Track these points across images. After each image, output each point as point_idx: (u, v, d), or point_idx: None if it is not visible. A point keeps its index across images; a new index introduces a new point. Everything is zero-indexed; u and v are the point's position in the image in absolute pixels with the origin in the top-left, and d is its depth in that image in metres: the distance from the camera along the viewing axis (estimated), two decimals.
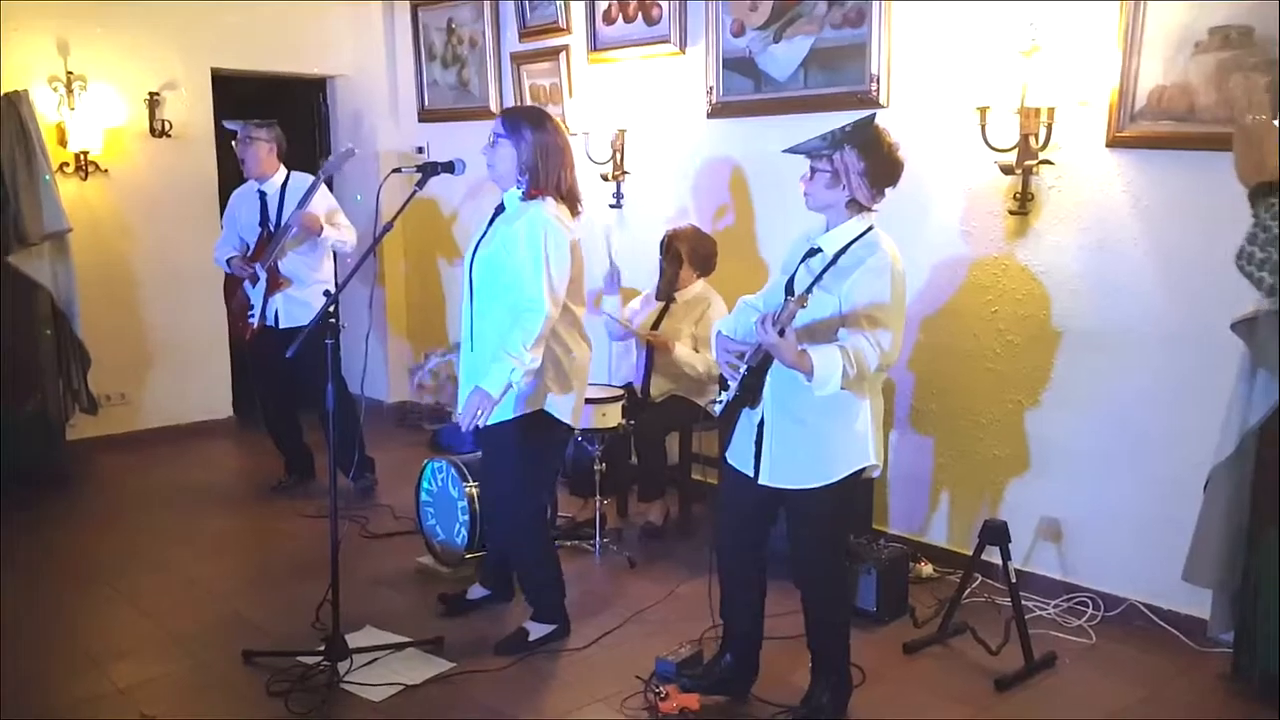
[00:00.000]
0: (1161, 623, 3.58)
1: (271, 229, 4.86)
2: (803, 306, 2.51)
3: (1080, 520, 3.82)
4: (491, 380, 3.14)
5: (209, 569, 4.23)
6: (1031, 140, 3.66)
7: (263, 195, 4.92)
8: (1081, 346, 3.75)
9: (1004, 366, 3.96)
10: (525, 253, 3.19)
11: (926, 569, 4.08)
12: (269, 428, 5.22)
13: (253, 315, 4.92)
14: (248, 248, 4.95)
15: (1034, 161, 3.69)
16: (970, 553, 3.56)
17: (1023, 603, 3.44)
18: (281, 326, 4.83)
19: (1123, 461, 3.67)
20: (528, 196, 3.28)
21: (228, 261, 4.99)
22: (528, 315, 3.16)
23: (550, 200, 3.28)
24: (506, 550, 3.67)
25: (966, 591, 3.62)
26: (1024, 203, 3.78)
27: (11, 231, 4.94)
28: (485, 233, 3.36)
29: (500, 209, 3.36)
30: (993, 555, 3.46)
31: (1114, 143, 3.56)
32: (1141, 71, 3.47)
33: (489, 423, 3.23)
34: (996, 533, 3.38)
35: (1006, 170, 3.75)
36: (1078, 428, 3.78)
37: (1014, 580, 3.36)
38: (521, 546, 3.55)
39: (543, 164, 3.27)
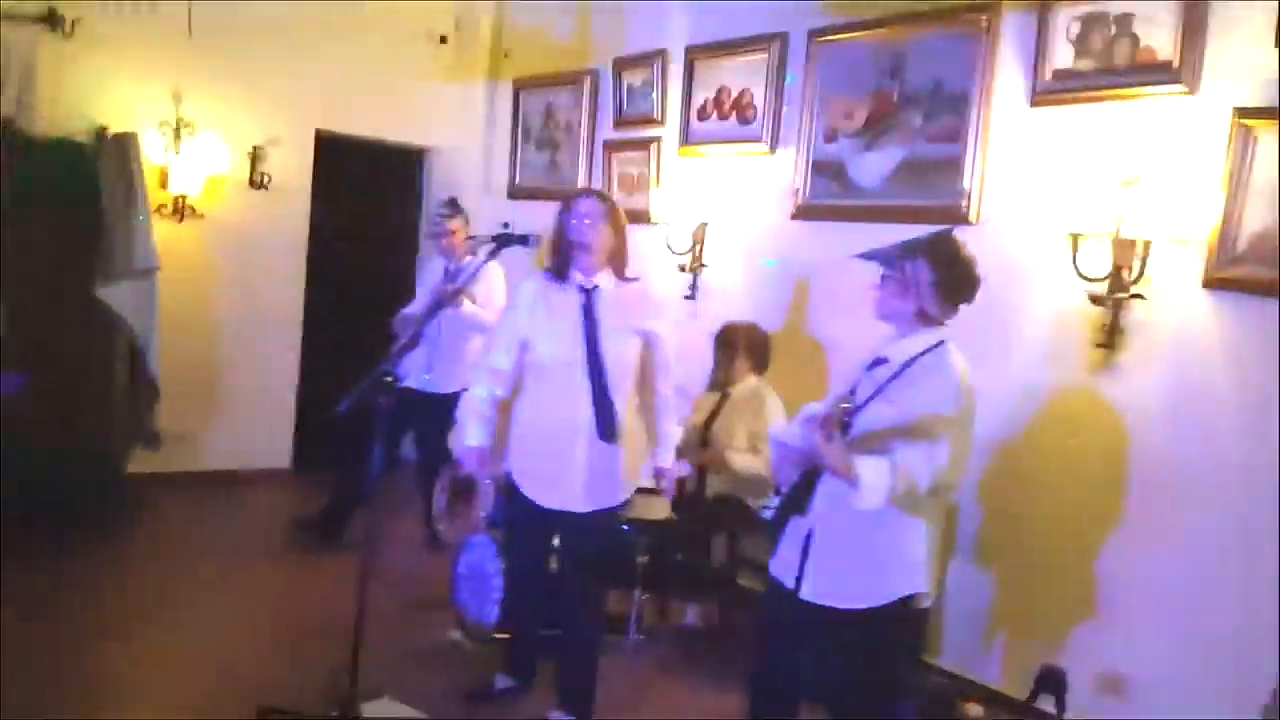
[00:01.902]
0: None
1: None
2: (846, 412, 2.40)
3: (1147, 678, 3.55)
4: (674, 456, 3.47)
5: (241, 618, 4.20)
6: (1124, 272, 3.53)
7: (446, 272, 5.11)
8: (1161, 492, 3.54)
9: (1077, 505, 3.76)
10: (665, 335, 3.43)
11: (975, 710, 3.83)
12: (345, 476, 5.17)
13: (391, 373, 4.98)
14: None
15: (1125, 295, 3.55)
16: (1024, 698, 3.33)
17: None
18: (416, 388, 4.90)
19: (1196, 619, 3.42)
20: (621, 279, 3.37)
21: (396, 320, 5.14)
22: (679, 395, 3.46)
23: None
24: (582, 639, 3.47)
25: None
26: (1112, 336, 3.62)
27: (101, 264, 5.08)
28: (588, 316, 3.27)
29: (587, 291, 3.30)
30: (1048, 704, 3.24)
31: (1211, 283, 3.41)
32: (1246, 213, 3.33)
33: (612, 506, 3.36)
34: (1053, 679, 3.18)
35: (1096, 300, 3.61)
36: (1151, 577, 3.55)
37: None
38: (596, 635, 3.49)
39: (625, 248, 3.39)
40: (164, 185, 5.70)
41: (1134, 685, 3.59)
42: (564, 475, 3.27)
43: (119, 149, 5.19)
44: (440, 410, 4.74)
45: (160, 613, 4.18)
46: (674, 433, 3.53)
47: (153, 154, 5.59)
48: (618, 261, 3.34)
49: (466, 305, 4.88)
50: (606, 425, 3.23)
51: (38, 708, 3.21)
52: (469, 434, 3.37)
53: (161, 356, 5.40)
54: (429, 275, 5.31)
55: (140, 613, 4.15)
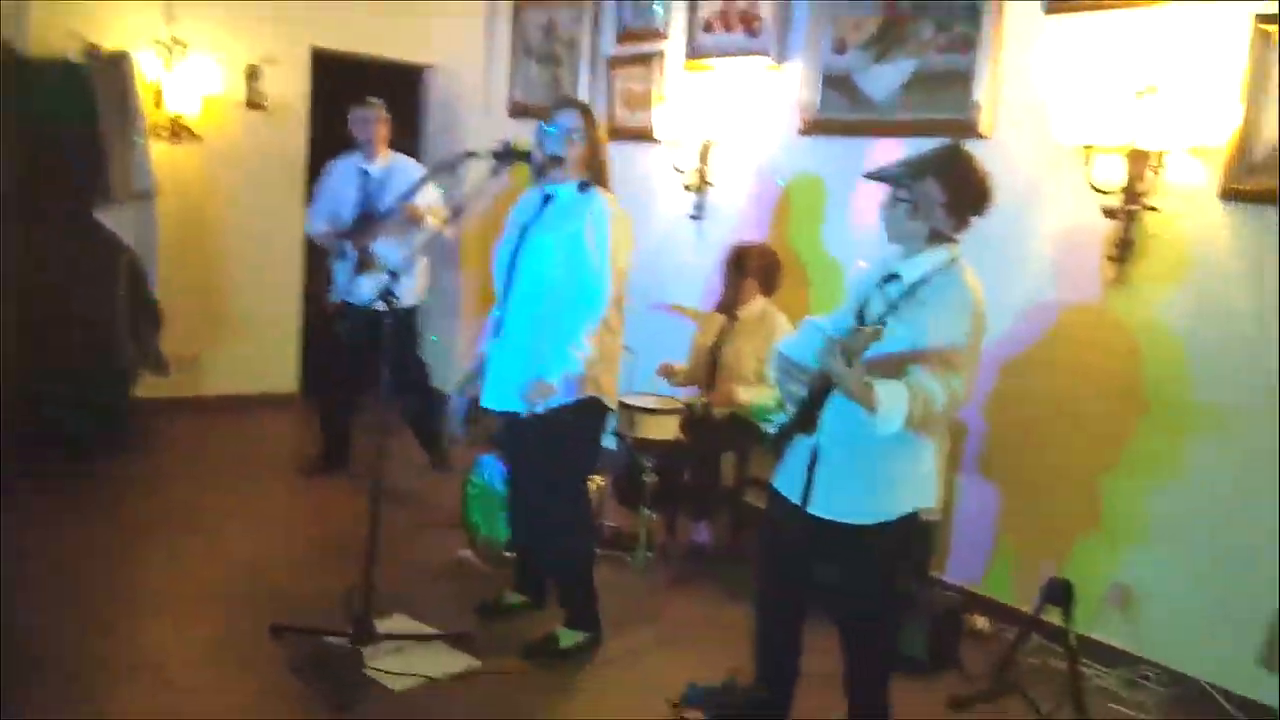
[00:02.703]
0: (1229, 706, 3.33)
1: (373, 210, 4.88)
2: (878, 339, 2.35)
3: (1152, 590, 3.59)
4: (554, 368, 3.14)
5: (253, 539, 4.23)
6: (1139, 184, 3.47)
7: (366, 174, 4.95)
8: (1173, 408, 3.52)
9: (1086, 420, 3.75)
10: (593, 244, 3.18)
11: (982, 622, 3.89)
12: (324, 404, 5.22)
13: (330, 290, 4.94)
14: (336, 220, 4.97)
15: (1138, 207, 3.49)
16: (1030, 610, 3.37)
17: (1081, 669, 3.24)
18: (369, 306, 4.81)
19: (1203, 533, 3.44)
20: (583, 189, 3.26)
21: (320, 235, 5.01)
22: (594, 306, 3.18)
23: (606, 192, 3.28)
24: (547, 545, 3.52)
25: (1022, 650, 3.43)
26: (1124, 249, 3.58)
27: (99, 187, 5.01)
28: (533, 222, 3.28)
29: (548, 198, 3.29)
30: (1054, 616, 3.28)
31: (1227, 194, 3.35)
32: (1265, 123, 3.26)
33: (541, 410, 3.18)
34: (1060, 591, 3.20)
35: (1109, 214, 3.55)
36: (1159, 492, 3.56)
37: (1074, 644, 3.17)
38: (563, 541, 3.44)
39: (601, 157, 3.30)
40: (158, 105, 5.60)
41: (1138, 597, 3.63)
42: (491, 374, 3.36)
43: (113, 68, 5.09)
44: (401, 326, 4.70)
45: (171, 534, 4.21)
46: (568, 353, 3.14)
47: (147, 73, 5.49)
48: (588, 170, 3.28)
49: (429, 222, 4.75)
50: (498, 324, 3.29)
51: (54, 627, 3.25)
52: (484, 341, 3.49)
53: (163, 281, 5.37)
54: (339, 178, 5.03)
55: (151, 535, 4.19)
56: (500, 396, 3.32)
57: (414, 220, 4.74)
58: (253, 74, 5.92)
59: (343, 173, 5.06)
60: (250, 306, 6.15)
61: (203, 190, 5.90)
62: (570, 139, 3.24)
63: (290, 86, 6.09)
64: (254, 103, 5.95)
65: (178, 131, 5.69)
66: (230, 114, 5.91)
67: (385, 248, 4.85)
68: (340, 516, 4.52)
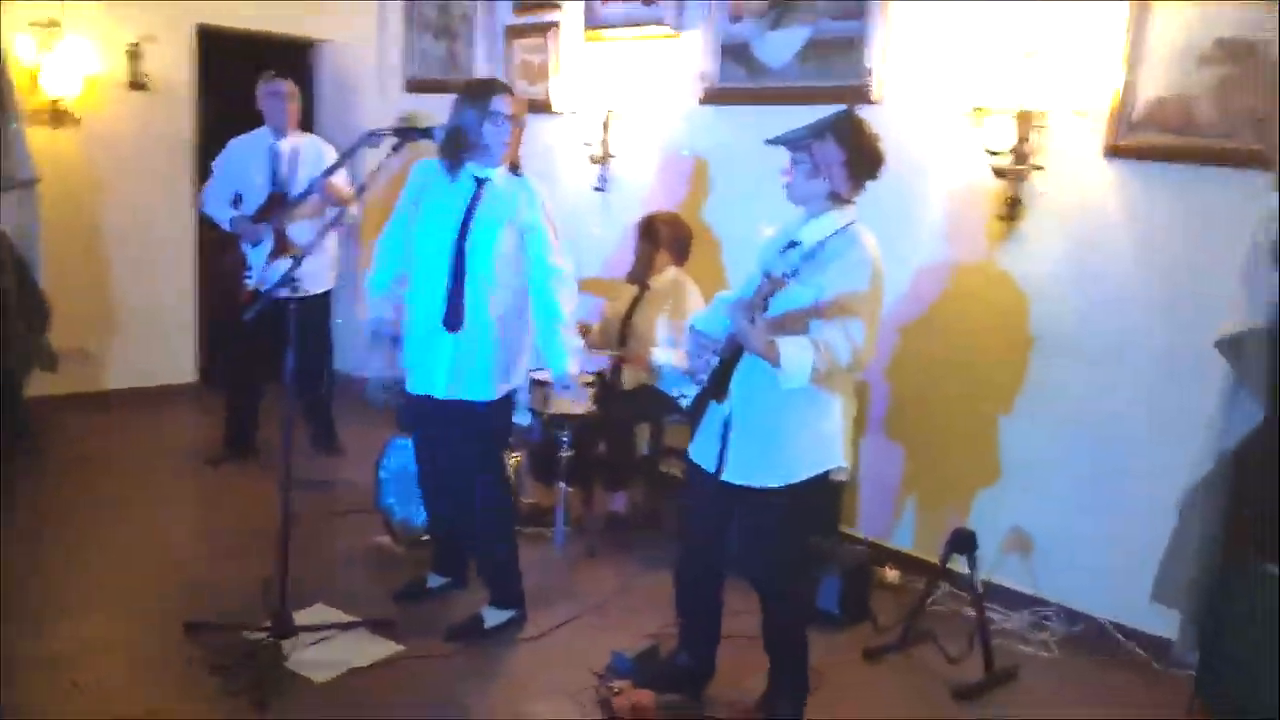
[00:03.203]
0: (1127, 641, 3.53)
1: (285, 190, 4.73)
2: (779, 288, 2.43)
3: (1050, 534, 3.76)
4: (563, 359, 3.29)
5: (163, 535, 4.13)
6: (1026, 145, 3.58)
7: (275, 153, 4.79)
8: (1063, 358, 3.68)
9: (981, 375, 3.89)
10: (544, 225, 3.29)
11: (892, 575, 4.02)
12: (231, 393, 5.09)
13: (249, 276, 4.76)
14: (238, 200, 4.80)
15: (1026, 166, 3.61)
16: (937, 561, 3.49)
17: (987, 614, 3.38)
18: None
19: (1097, 478, 3.61)
20: (514, 172, 3.32)
21: (230, 220, 4.81)
22: (567, 284, 3.31)
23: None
24: (477, 530, 3.52)
25: (931, 599, 3.56)
26: (1013, 208, 3.70)
27: None
28: (469, 210, 3.25)
29: (479, 183, 3.27)
30: (959, 565, 3.40)
31: (1110, 152, 3.50)
32: (1142, 82, 3.40)
33: (474, 399, 3.28)
34: (964, 541, 3.32)
35: (999, 174, 3.67)
36: (1053, 441, 3.72)
37: (979, 590, 3.30)
38: (492, 526, 3.46)
39: (518, 139, 3.31)
40: (34, 89, 5.35)
41: (1038, 542, 3.79)
42: (427, 362, 3.32)
43: None
44: (313, 314, 4.63)
45: (77, 534, 4.08)
46: (567, 337, 3.31)
47: (22, 56, 5.24)
48: (516, 155, 3.33)
49: (348, 200, 4.58)
50: (453, 315, 3.25)
51: None
52: (372, 308, 3.48)
53: (49, 273, 5.15)
54: (245, 156, 4.83)
55: (56, 535, 4.04)
56: (461, 386, 3.29)
57: (336, 199, 4.60)
58: (134, 53, 5.69)
59: (248, 151, 4.86)
60: (142, 295, 5.93)
61: (86, 176, 5.66)
62: (510, 126, 3.22)
63: (175, 65, 5.86)
64: (136, 83, 5.72)
65: (57, 116, 5.45)
66: (112, 95, 5.67)
67: (298, 230, 4.71)
68: (251, 506, 4.43)
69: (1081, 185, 3.58)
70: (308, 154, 4.82)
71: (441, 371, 3.28)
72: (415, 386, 3.37)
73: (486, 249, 3.22)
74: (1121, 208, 3.51)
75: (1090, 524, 3.62)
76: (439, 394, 3.30)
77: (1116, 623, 3.56)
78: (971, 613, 3.37)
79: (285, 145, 4.83)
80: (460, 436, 3.40)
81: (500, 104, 3.22)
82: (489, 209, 3.24)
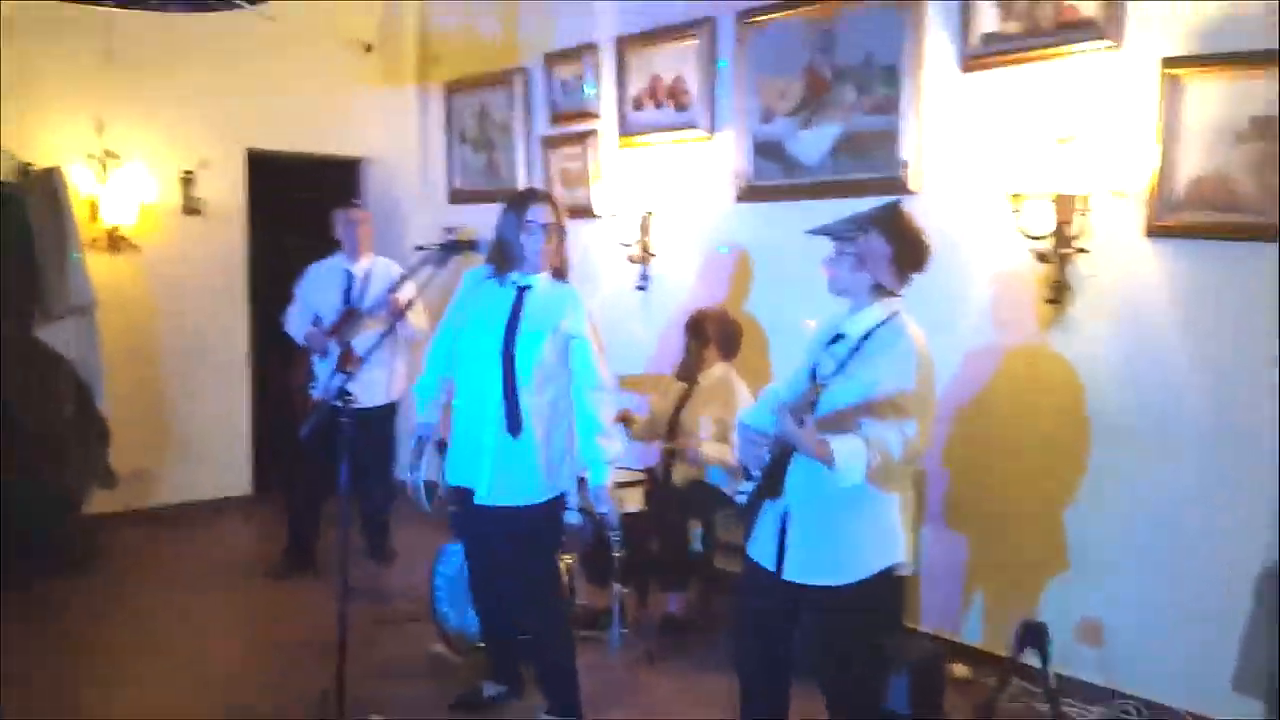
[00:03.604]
0: None
1: (356, 307, 4.91)
2: (818, 395, 2.41)
3: (1122, 622, 3.63)
4: (607, 467, 3.31)
5: (216, 651, 4.13)
6: (1067, 228, 3.59)
7: (350, 275, 5.01)
8: (1120, 440, 3.61)
9: (1040, 460, 3.82)
10: (587, 335, 3.32)
11: (961, 670, 3.89)
12: (294, 504, 5.13)
13: (314, 387, 4.91)
14: (318, 321, 4.99)
15: (1069, 250, 3.61)
16: (1006, 654, 3.38)
17: (1063, 709, 3.26)
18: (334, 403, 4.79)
19: (1165, 562, 3.50)
20: (556, 279, 3.36)
21: (305, 335, 5.00)
22: (607, 398, 3.35)
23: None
24: (533, 637, 3.49)
25: (1003, 696, 3.44)
26: (1060, 292, 3.68)
27: (38, 305, 4.95)
28: (514, 313, 3.29)
29: (521, 289, 3.32)
30: (1031, 658, 3.30)
31: (1153, 232, 3.48)
32: (1180, 161, 3.41)
33: (517, 504, 3.28)
34: (1035, 633, 3.23)
35: (1042, 258, 3.67)
36: (1117, 524, 3.62)
37: (1053, 685, 3.19)
38: (556, 635, 3.44)
39: (558, 245, 3.35)
40: (94, 218, 5.57)
41: (1110, 632, 3.67)
42: (472, 467, 3.34)
43: (46, 185, 5.06)
44: (373, 426, 4.70)
45: (137, 648, 4.10)
46: (605, 447, 3.33)
47: (81, 187, 5.47)
48: (559, 261, 3.37)
49: (412, 317, 4.78)
50: (512, 419, 3.27)
51: None
52: (420, 411, 3.54)
53: (109, 393, 5.29)
54: (323, 280, 5.07)
55: (116, 650, 4.07)
56: (504, 491, 3.30)
57: (397, 313, 4.71)
58: (188, 180, 5.92)
59: (325, 275, 5.09)
60: (198, 411, 6.06)
61: (143, 300, 5.84)
62: (548, 234, 3.27)
63: (226, 189, 6.09)
64: (191, 208, 5.94)
65: (115, 242, 5.65)
66: (167, 221, 5.88)
67: (363, 344, 4.82)
68: (309, 617, 4.42)
69: (1126, 266, 3.56)
70: (378, 274, 5.00)
71: (485, 477, 3.30)
72: (461, 493, 3.39)
73: (528, 356, 3.26)
74: (1167, 287, 3.48)
75: (1164, 612, 3.50)
76: (482, 499, 3.31)
77: (1198, 714, 3.41)
78: (1046, 709, 3.24)
79: (358, 268, 5.01)
80: (508, 541, 3.38)
81: (535, 213, 3.27)
82: (532, 317, 3.29)
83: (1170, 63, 3.40)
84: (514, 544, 3.38)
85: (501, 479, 3.29)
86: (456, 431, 3.40)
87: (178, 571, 5.12)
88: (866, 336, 2.66)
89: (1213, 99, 3.32)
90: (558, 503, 3.39)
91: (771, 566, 2.72)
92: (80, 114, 5.54)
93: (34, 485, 4.95)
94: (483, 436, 3.30)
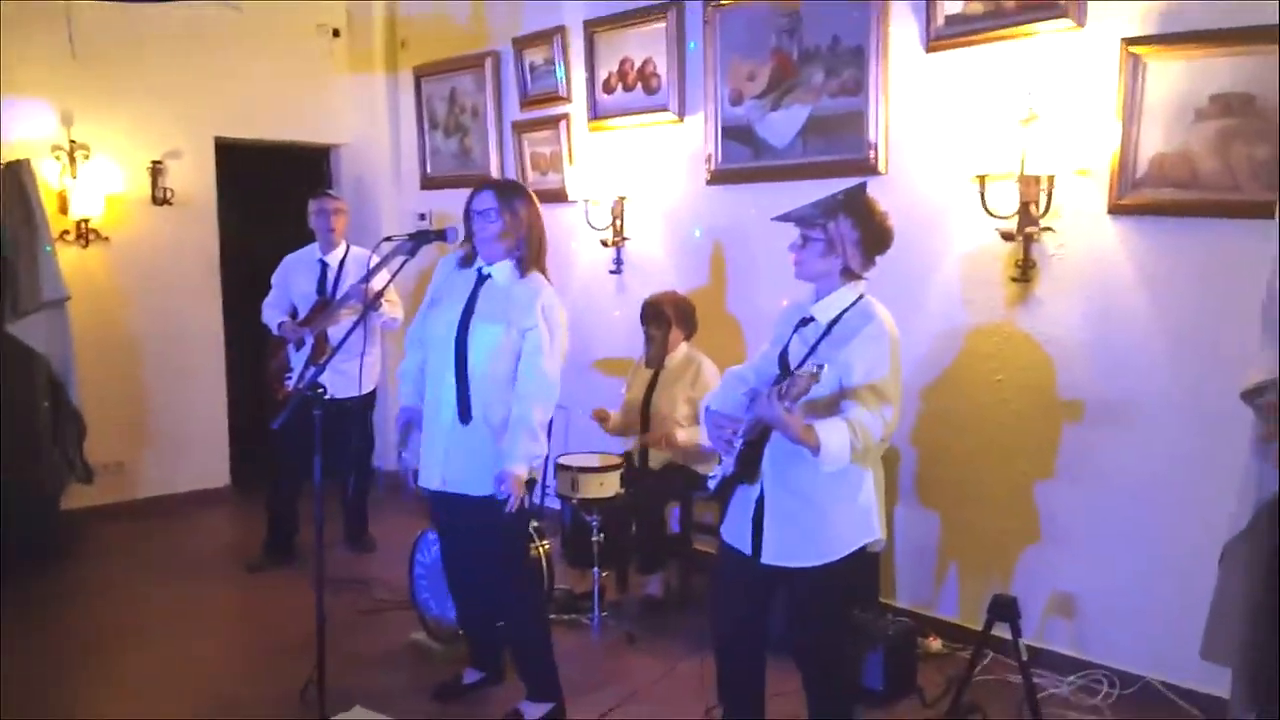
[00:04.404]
0: (1180, 701, 3.45)
1: (330, 298, 4.90)
2: (816, 382, 2.41)
3: (1093, 594, 3.71)
4: (520, 460, 3.18)
5: (198, 645, 4.13)
6: (1032, 207, 3.63)
7: (324, 265, 5.00)
8: (1088, 415, 3.67)
9: (1009, 436, 3.88)
10: (544, 330, 3.24)
11: (935, 644, 3.96)
12: (273, 494, 5.12)
13: (289, 378, 4.92)
14: (295, 312, 5.00)
15: (1035, 229, 3.65)
16: (979, 628, 3.44)
17: (1035, 681, 3.32)
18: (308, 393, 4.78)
19: (1135, 534, 3.57)
20: (523, 271, 3.28)
21: (279, 325, 5.00)
22: (548, 393, 3.25)
23: (544, 277, 3.32)
24: (512, 626, 3.51)
25: (977, 669, 3.49)
26: (1025, 270, 3.73)
27: (9, 301, 4.92)
28: (470, 302, 3.29)
29: (482, 278, 3.32)
30: (1003, 631, 3.35)
31: (1115, 210, 3.53)
32: (1142, 139, 3.45)
33: (470, 493, 3.24)
34: (1005, 608, 3.26)
35: (1007, 237, 3.71)
36: (1087, 499, 3.69)
37: (1025, 658, 3.24)
38: (527, 621, 3.45)
39: (536, 238, 3.30)
40: (64, 211, 5.53)
41: (1082, 603, 3.74)
42: (430, 455, 3.35)
43: (14, 179, 5.02)
44: (348, 416, 4.70)
45: (118, 642, 4.11)
46: (523, 442, 3.20)
47: (49, 179, 5.43)
48: (526, 250, 3.29)
49: (388, 306, 4.82)
50: (463, 405, 3.26)
51: None
52: (402, 394, 3.50)
53: (83, 387, 5.27)
54: (298, 270, 5.09)
55: (98, 644, 4.08)
56: (457, 480, 3.30)
57: (370, 303, 4.70)
58: (157, 170, 5.87)
59: (300, 265, 5.09)
60: (174, 404, 6.03)
61: (115, 292, 5.80)
62: (487, 220, 3.24)
63: (196, 179, 6.04)
64: (160, 199, 5.89)
65: (85, 235, 5.61)
66: (137, 212, 5.84)
67: (338, 334, 4.81)
68: (289, 608, 4.44)
69: (1091, 244, 3.61)
70: (353, 264, 4.99)
71: (438, 464, 3.31)
72: (423, 480, 3.40)
73: (481, 345, 3.24)
74: (1130, 263, 3.53)
75: (1135, 583, 3.57)
76: (437, 485, 3.32)
77: (1169, 683, 3.49)
78: (1019, 680, 3.30)
79: (332, 258, 5.00)
80: (474, 529, 3.38)
81: (477, 200, 3.26)
82: (488, 306, 3.27)
83: (1131, 42, 3.43)
84: (479, 532, 3.38)
85: (454, 466, 3.29)
86: (425, 416, 3.42)
87: (157, 565, 5.11)
88: (837, 320, 2.69)
89: (1173, 77, 3.35)
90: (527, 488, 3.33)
91: (747, 550, 2.76)
92: (47, 107, 5.48)
93: (10, 482, 4.93)
94: (438, 422, 3.32)
